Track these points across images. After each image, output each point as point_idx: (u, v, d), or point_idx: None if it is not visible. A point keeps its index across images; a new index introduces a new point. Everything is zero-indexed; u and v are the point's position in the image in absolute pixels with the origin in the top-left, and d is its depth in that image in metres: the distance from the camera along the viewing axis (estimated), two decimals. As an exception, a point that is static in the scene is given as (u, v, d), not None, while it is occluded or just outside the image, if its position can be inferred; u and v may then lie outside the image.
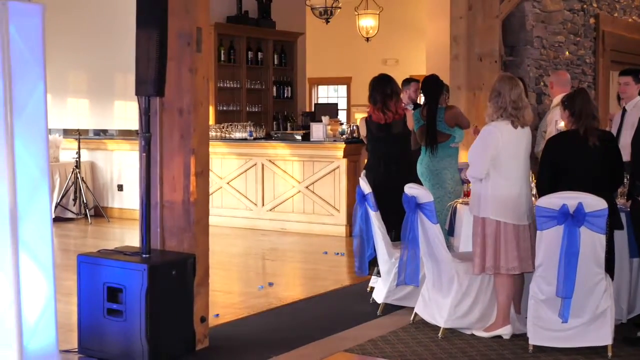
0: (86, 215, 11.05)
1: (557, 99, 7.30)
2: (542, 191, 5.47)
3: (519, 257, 5.47)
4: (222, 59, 12.69)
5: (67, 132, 11.72)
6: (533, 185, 5.96)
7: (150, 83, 4.98)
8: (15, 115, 4.49)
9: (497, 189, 5.47)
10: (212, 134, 10.57)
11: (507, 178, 5.48)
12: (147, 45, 4.95)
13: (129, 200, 11.26)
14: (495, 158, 5.46)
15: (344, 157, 9.82)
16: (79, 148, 11.05)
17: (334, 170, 9.90)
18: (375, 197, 6.28)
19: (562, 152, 5.51)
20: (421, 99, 7.82)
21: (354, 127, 10.20)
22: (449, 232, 6.38)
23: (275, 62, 13.67)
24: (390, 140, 6.87)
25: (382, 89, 6.86)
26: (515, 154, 5.51)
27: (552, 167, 5.53)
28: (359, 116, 10.43)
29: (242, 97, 13.09)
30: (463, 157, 7.50)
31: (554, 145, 5.64)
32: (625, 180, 5.78)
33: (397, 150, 6.91)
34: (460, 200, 6.36)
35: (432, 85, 7.23)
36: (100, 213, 11.26)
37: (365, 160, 7.38)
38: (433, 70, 8.56)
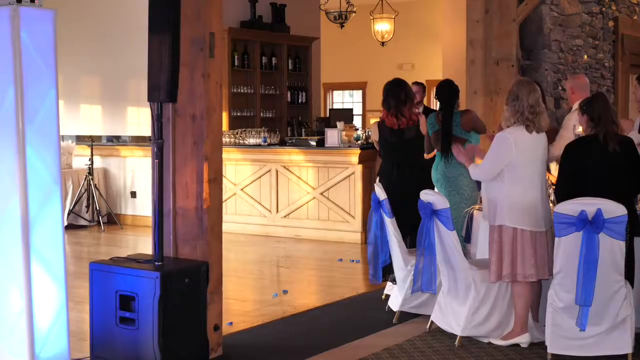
0: (99, 222, 11.02)
1: (577, 104, 7.19)
2: (561, 197, 5.39)
3: (535, 265, 5.41)
4: (236, 64, 12.65)
5: (80, 139, 11.71)
6: (551, 191, 5.88)
7: (163, 89, 4.94)
8: (27, 121, 4.48)
9: (513, 196, 5.40)
10: (226, 140, 10.53)
11: (522, 184, 5.41)
12: (160, 51, 4.92)
13: (142, 207, 11.23)
14: (510, 164, 5.39)
15: (359, 163, 9.75)
16: (92, 155, 11.02)
17: (349, 176, 9.84)
18: (390, 203, 6.21)
19: (582, 157, 5.43)
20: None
21: (369, 133, 10.13)
22: (466, 238, 6.31)
23: (290, 67, 13.62)
24: (404, 146, 6.81)
25: (396, 94, 6.81)
26: (530, 159, 5.43)
27: (571, 173, 5.44)
28: (375, 121, 10.35)
29: (256, 102, 13.05)
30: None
31: (573, 150, 5.55)
32: None
33: (411, 155, 6.85)
34: (477, 207, 6.28)
35: (446, 90, 7.15)
36: (113, 220, 11.24)
37: (379, 166, 7.32)
38: (449, 75, 8.50)
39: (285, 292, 7.31)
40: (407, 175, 6.77)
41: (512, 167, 5.39)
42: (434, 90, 7.61)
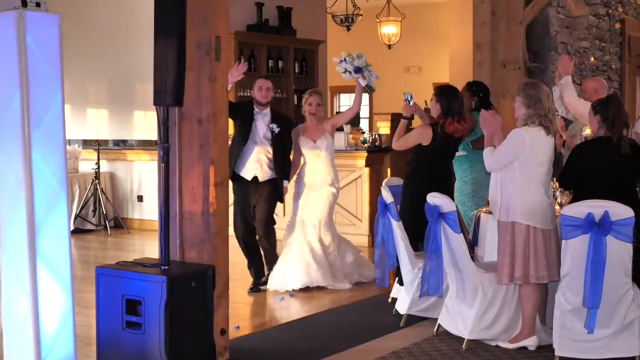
0: (106, 226, 11.02)
1: None
2: (568, 185, 5.51)
3: (547, 266, 5.39)
4: (242, 68, 12.61)
5: (86, 143, 11.72)
6: (558, 194, 5.87)
7: (169, 93, 4.93)
8: (33, 126, 4.47)
9: (526, 194, 5.38)
10: (233, 143, 10.49)
11: (536, 183, 5.40)
12: (166, 55, 4.91)
13: (149, 211, 11.23)
14: (525, 163, 5.36)
15: (366, 166, 9.73)
16: (99, 159, 11.03)
17: (356, 179, 9.82)
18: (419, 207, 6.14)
19: (594, 158, 5.42)
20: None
21: (376, 136, 10.11)
22: (473, 241, 6.28)
23: (296, 71, 13.59)
24: (450, 151, 6.73)
25: (459, 98, 6.63)
26: (545, 160, 5.43)
27: (581, 171, 5.44)
28: (382, 125, 10.30)
29: (263, 106, 13.00)
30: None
31: (585, 150, 5.54)
32: None
33: (451, 159, 6.82)
34: (484, 209, 6.26)
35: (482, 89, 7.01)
36: (120, 224, 11.24)
37: (389, 170, 7.24)
38: (457, 78, 8.46)
39: (292, 295, 7.30)
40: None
41: (526, 166, 5.38)
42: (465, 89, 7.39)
